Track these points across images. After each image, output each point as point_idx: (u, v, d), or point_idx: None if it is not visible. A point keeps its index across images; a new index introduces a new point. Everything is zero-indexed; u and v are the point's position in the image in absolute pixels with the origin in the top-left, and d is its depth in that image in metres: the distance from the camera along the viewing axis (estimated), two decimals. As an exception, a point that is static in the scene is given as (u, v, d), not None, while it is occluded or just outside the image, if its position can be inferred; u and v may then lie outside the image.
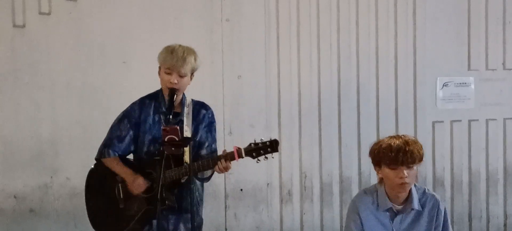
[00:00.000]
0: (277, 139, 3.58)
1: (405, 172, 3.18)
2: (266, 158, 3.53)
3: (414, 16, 5.25)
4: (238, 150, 3.49)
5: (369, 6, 5.19)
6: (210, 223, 4.91)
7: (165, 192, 3.49)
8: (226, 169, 3.52)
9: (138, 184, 3.57)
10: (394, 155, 3.17)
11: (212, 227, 4.99)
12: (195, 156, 3.59)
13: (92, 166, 3.74)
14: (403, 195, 3.31)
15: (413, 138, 3.29)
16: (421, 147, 3.26)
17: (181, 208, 3.58)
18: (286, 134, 5.12)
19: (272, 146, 3.50)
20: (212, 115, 3.73)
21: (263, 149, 3.49)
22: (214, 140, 3.71)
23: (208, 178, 3.70)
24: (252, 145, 3.50)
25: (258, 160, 3.52)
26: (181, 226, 3.63)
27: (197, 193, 3.69)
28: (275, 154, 3.58)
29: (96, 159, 3.71)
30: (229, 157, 3.49)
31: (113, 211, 3.62)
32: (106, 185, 3.65)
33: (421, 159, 3.24)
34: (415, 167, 3.23)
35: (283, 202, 5.18)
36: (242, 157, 3.50)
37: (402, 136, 3.27)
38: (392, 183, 3.24)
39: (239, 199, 5.11)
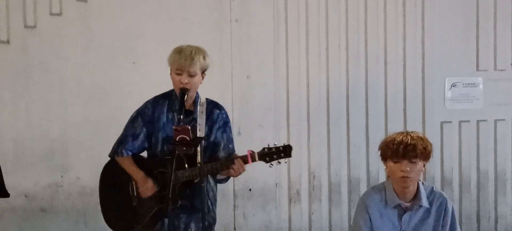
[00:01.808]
0: (291, 144, 3.57)
1: (407, 166, 3.19)
2: (279, 162, 3.54)
3: (423, 17, 5.25)
4: (252, 153, 3.50)
5: (378, 6, 5.20)
6: (219, 222, 4.86)
7: (177, 191, 3.51)
8: (239, 171, 3.52)
9: (147, 188, 3.59)
10: (395, 148, 3.20)
11: (221, 226, 5.00)
12: (211, 158, 3.60)
13: (107, 162, 3.76)
14: (410, 191, 3.31)
15: (421, 135, 3.29)
16: (428, 143, 3.25)
17: (193, 207, 3.59)
18: (295, 133, 5.13)
19: (285, 151, 3.52)
20: (226, 115, 3.73)
21: (276, 153, 3.52)
22: (230, 140, 3.70)
23: (226, 180, 3.71)
24: (265, 149, 3.52)
25: (271, 164, 3.54)
26: (192, 225, 3.64)
27: (211, 192, 3.71)
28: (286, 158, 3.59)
29: (109, 156, 3.73)
30: (242, 160, 3.50)
31: (126, 208, 3.64)
32: (120, 182, 3.68)
33: (426, 156, 3.23)
34: (419, 163, 3.22)
35: (292, 201, 5.19)
36: (255, 161, 3.52)
37: (409, 132, 3.28)
38: (395, 177, 3.25)
39: (248, 198, 5.13)
